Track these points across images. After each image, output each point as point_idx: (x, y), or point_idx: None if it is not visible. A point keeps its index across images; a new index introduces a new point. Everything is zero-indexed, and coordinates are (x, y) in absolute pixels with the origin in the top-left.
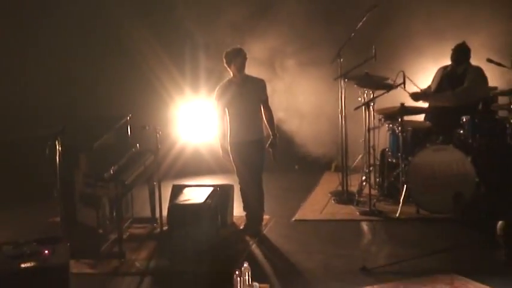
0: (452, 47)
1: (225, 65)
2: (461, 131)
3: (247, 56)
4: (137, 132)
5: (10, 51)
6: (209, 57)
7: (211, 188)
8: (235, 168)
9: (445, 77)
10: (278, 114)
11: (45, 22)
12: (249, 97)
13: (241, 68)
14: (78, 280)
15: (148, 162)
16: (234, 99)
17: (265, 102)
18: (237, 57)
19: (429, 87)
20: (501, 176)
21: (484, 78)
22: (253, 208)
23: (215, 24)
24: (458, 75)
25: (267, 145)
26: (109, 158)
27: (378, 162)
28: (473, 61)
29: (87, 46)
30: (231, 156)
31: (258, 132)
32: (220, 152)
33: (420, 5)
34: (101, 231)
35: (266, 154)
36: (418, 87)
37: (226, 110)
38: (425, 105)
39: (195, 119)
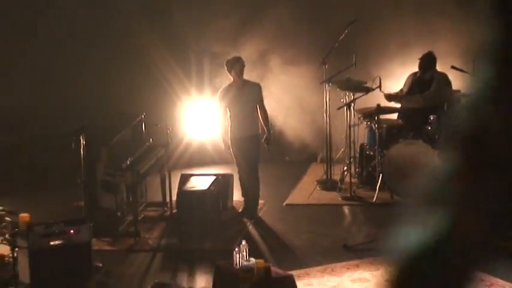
0: (420, 56)
1: (226, 71)
2: (429, 128)
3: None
4: (150, 128)
5: (37, 59)
6: (212, 62)
7: (214, 177)
8: (234, 159)
9: (415, 82)
10: (271, 113)
11: (66, 28)
12: (247, 99)
13: (240, 73)
14: (99, 256)
15: (160, 154)
16: (234, 101)
17: (261, 103)
18: (236, 65)
19: (401, 90)
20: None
21: (449, 83)
22: (250, 194)
23: (215, 32)
24: (426, 81)
25: (263, 140)
26: (126, 151)
27: (357, 155)
28: (439, 67)
29: (103, 52)
30: (231, 149)
31: (255, 129)
32: (222, 145)
33: (393, 18)
34: (119, 213)
35: (261, 147)
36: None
37: (227, 109)
38: (398, 105)
39: (199, 117)
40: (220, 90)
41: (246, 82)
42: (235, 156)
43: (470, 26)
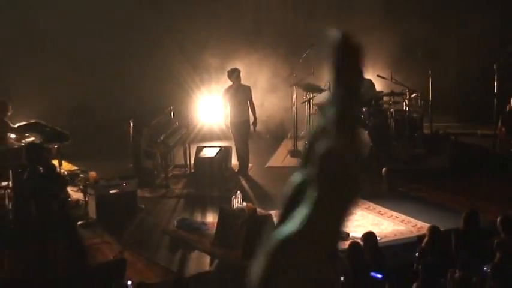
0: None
1: (227, 77)
2: (362, 116)
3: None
4: (176, 115)
5: (100, 66)
6: (217, 68)
7: (219, 148)
8: (232, 136)
9: None
10: (259, 107)
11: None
12: (241, 96)
13: (236, 79)
14: (142, 201)
15: (183, 133)
16: (232, 97)
17: (251, 99)
18: (234, 73)
19: None
20: (384, 142)
21: (373, 86)
22: (243, 160)
23: (218, 48)
24: (367, 87)
25: (251, 123)
26: (160, 130)
27: None
28: (367, 75)
29: (142, 62)
30: (230, 129)
31: (246, 116)
32: (224, 127)
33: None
34: (155, 172)
35: (250, 128)
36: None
37: (228, 103)
38: None
39: (208, 107)
40: (224, 89)
41: (241, 85)
42: (233, 134)
43: (389, 44)
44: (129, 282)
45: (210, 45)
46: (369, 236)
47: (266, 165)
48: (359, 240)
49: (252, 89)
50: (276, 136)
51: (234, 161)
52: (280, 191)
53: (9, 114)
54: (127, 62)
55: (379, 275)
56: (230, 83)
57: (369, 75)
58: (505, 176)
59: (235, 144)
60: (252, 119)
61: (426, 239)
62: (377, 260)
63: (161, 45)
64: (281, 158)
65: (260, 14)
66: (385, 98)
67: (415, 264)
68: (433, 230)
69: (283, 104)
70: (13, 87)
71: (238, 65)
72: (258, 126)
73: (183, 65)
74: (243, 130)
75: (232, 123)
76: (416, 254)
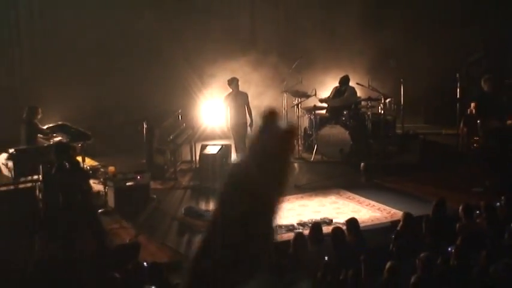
0: (340, 77)
1: (228, 85)
2: (344, 118)
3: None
4: (183, 118)
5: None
6: (218, 76)
7: (220, 146)
8: (232, 136)
9: (336, 92)
10: (255, 109)
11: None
12: (240, 102)
13: (235, 87)
14: (154, 192)
15: (189, 133)
16: (232, 102)
17: (248, 104)
18: (234, 81)
19: (328, 96)
20: (362, 141)
21: (355, 93)
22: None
23: (218, 59)
24: (343, 91)
25: (248, 125)
26: (169, 131)
27: (302, 133)
28: (351, 83)
29: (156, 71)
30: (230, 130)
31: (243, 118)
32: (225, 128)
33: (324, 53)
34: (165, 167)
35: (247, 129)
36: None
37: (228, 107)
38: (325, 105)
39: (211, 111)
40: (224, 95)
41: (239, 92)
42: (233, 134)
43: (368, 54)
44: (145, 264)
45: (212, 57)
46: (352, 222)
47: None
48: (341, 225)
49: (248, 94)
50: None
51: (233, 156)
52: None
53: (39, 117)
54: (140, 72)
55: None
56: (230, 90)
57: (351, 82)
58: (466, 169)
59: (235, 143)
60: (249, 121)
61: (400, 223)
62: (358, 242)
63: (170, 57)
64: None
65: (256, 27)
66: (363, 103)
67: (390, 245)
68: (406, 216)
69: (276, 108)
70: (42, 94)
71: (237, 73)
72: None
73: (189, 74)
74: (242, 131)
75: (232, 125)
76: (392, 237)
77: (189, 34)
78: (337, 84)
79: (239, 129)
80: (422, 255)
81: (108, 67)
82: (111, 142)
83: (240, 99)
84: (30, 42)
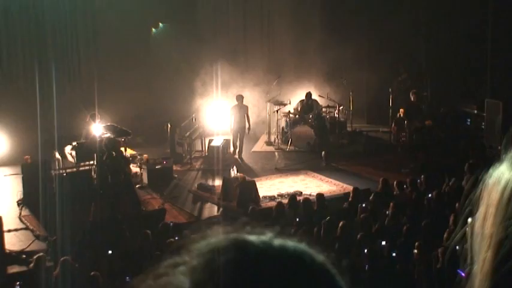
0: (306, 93)
1: (236, 99)
2: (310, 120)
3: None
4: (197, 120)
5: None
6: (223, 90)
7: (223, 140)
8: (234, 135)
9: (305, 105)
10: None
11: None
12: (242, 112)
13: (241, 102)
14: (175, 172)
15: (201, 130)
16: (236, 112)
17: (247, 114)
18: (240, 98)
19: (297, 107)
20: (323, 136)
21: (318, 104)
22: (240, 148)
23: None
24: (310, 104)
25: (247, 128)
26: (187, 129)
27: (280, 131)
28: (314, 97)
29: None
30: (233, 131)
31: (243, 123)
32: (229, 130)
33: (298, 74)
34: (183, 155)
35: (245, 131)
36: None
37: (233, 115)
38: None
39: (217, 115)
40: (232, 106)
41: (242, 105)
42: (233, 134)
43: (326, 73)
44: (171, 224)
45: (218, 75)
46: (320, 195)
47: (251, 150)
48: (309, 196)
49: (248, 107)
50: (258, 133)
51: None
52: (260, 166)
53: (98, 121)
54: (165, 84)
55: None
56: (236, 102)
57: (315, 96)
58: (396, 156)
59: (233, 140)
60: (247, 126)
61: (351, 195)
62: (321, 207)
63: (186, 75)
64: (260, 146)
65: (247, 51)
66: (324, 109)
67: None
68: (354, 189)
69: (262, 113)
70: (99, 105)
71: (234, 87)
72: (250, 130)
73: (201, 87)
74: (241, 133)
75: (235, 128)
76: (343, 206)
77: (198, 57)
78: (302, 97)
79: (240, 132)
80: (362, 215)
81: (143, 82)
82: (145, 137)
83: (242, 110)
84: (87, 63)
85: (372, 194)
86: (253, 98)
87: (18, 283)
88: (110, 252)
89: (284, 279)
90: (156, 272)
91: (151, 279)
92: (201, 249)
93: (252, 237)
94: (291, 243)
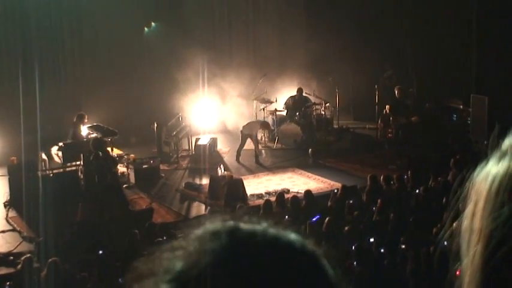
0: (297, 88)
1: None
2: (296, 118)
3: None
4: (183, 119)
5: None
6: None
7: (210, 138)
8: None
9: (295, 100)
10: (235, 116)
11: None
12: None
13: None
14: (163, 171)
15: (187, 129)
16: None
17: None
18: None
19: (287, 103)
20: (310, 133)
21: (309, 99)
22: (239, 147)
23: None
24: (300, 100)
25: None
26: (173, 128)
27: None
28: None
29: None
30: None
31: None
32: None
33: (284, 71)
34: (170, 154)
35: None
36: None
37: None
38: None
39: (202, 114)
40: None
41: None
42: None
43: (313, 72)
44: (157, 223)
45: (205, 74)
46: (308, 192)
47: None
48: (296, 193)
49: (228, 102)
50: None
51: (220, 146)
52: (247, 164)
53: (85, 121)
54: (151, 84)
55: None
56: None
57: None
58: (383, 152)
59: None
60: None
61: (339, 191)
62: (309, 204)
63: (173, 73)
64: (247, 144)
65: (232, 49)
66: (311, 107)
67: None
68: (342, 186)
69: (249, 111)
70: (85, 105)
71: (220, 84)
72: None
73: (186, 88)
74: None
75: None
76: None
77: (187, 54)
78: (292, 93)
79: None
80: (355, 212)
81: (129, 81)
82: (132, 137)
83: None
84: (73, 62)
85: (365, 192)
86: (239, 95)
87: (8, 283)
88: (100, 252)
89: (275, 265)
90: (150, 256)
91: (142, 263)
92: (197, 234)
93: (247, 225)
94: (284, 232)
